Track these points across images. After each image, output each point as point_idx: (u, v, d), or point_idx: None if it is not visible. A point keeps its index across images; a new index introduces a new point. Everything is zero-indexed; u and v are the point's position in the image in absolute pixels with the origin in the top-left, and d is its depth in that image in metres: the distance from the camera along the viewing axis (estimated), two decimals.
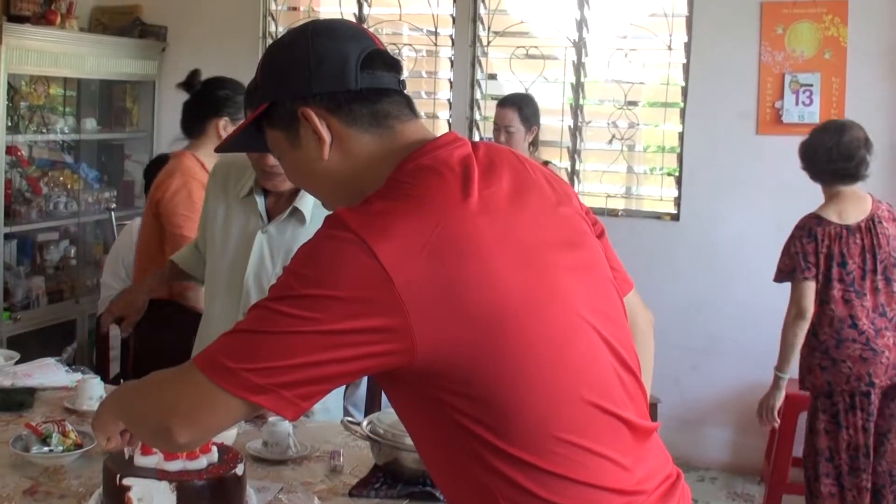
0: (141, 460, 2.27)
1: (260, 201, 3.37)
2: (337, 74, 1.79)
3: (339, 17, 6.67)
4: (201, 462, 2.29)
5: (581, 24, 6.32)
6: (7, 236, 6.20)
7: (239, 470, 2.32)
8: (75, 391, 3.21)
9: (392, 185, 1.72)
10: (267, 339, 1.61)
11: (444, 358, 1.62)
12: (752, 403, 5.99)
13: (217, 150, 2.04)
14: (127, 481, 2.22)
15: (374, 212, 1.65)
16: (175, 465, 2.26)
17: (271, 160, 3.16)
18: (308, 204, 3.32)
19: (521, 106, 5.68)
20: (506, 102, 5.76)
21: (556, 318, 1.70)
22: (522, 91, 6.28)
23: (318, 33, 1.84)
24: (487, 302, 1.62)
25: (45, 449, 2.70)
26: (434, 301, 1.59)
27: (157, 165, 4.93)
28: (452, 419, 1.67)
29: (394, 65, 1.87)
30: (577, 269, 1.79)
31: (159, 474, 2.24)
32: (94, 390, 3.11)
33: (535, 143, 5.79)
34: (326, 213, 3.28)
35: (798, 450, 5.68)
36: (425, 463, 1.87)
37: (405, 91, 1.89)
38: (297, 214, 3.33)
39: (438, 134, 1.85)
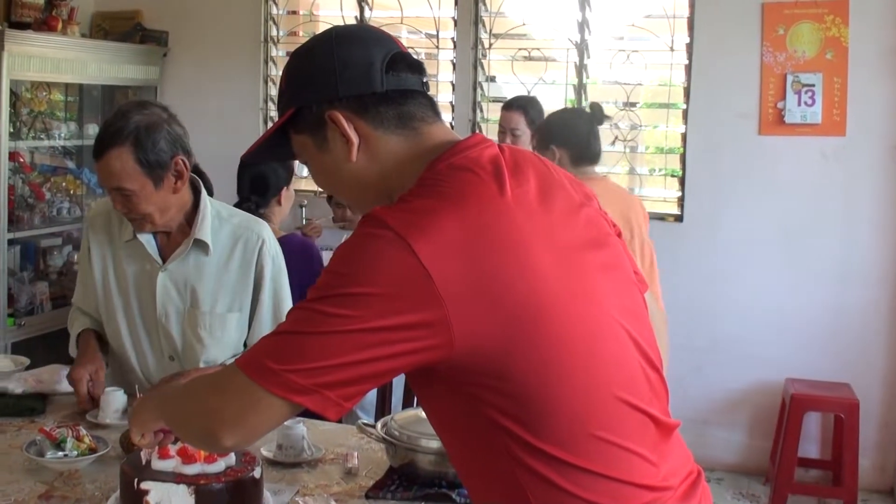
0: (158, 464, 2.28)
1: (148, 242, 3.31)
2: (362, 77, 1.81)
3: (339, 20, 6.68)
4: (219, 465, 2.30)
5: (583, 25, 6.31)
6: (10, 242, 6.18)
7: (256, 473, 2.33)
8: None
9: (426, 184, 1.73)
10: (309, 340, 1.61)
11: (481, 353, 1.62)
12: (757, 404, 6.03)
13: (244, 158, 2.05)
14: (144, 485, 2.23)
15: (411, 209, 1.66)
16: (193, 469, 2.27)
17: (118, 205, 3.16)
18: (207, 232, 3.29)
19: (526, 109, 5.68)
20: (512, 105, 5.75)
21: (588, 315, 1.72)
22: (524, 93, 6.28)
23: (342, 38, 1.86)
24: (524, 297, 1.63)
25: (60, 454, 2.71)
26: (472, 296, 1.60)
27: None
28: (486, 415, 1.68)
29: (417, 66, 1.89)
30: (605, 268, 1.81)
31: (177, 478, 2.25)
32: (118, 402, 3.10)
33: None
34: (230, 238, 3.29)
35: (804, 450, 5.70)
36: (453, 461, 1.88)
37: (429, 93, 1.91)
38: (200, 245, 3.29)
39: None
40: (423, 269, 1.58)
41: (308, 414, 1.71)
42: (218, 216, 3.35)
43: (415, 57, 1.90)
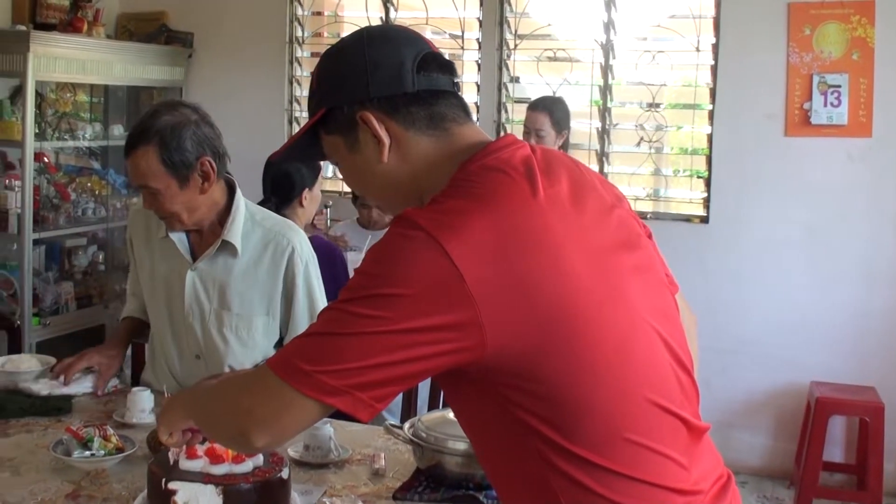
0: (186, 464, 2.28)
1: (180, 240, 3.34)
2: (394, 77, 1.80)
3: (364, 20, 6.68)
4: (247, 465, 2.30)
5: (608, 26, 6.30)
6: (36, 242, 6.20)
7: (284, 473, 2.33)
8: (122, 401, 3.21)
9: (458, 184, 1.73)
10: (341, 341, 1.61)
11: (513, 354, 1.62)
12: (782, 407, 6.00)
13: (273, 159, 2.05)
14: (172, 485, 2.23)
15: (443, 210, 1.66)
16: (221, 469, 2.27)
17: (146, 203, 3.21)
18: (237, 235, 3.30)
19: (552, 110, 5.67)
20: (537, 106, 5.74)
21: (621, 317, 1.71)
22: (549, 94, 6.27)
23: (373, 38, 1.86)
24: (557, 298, 1.63)
25: (87, 453, 2.71)
26: (505, 297, 1.59)
27: None
28: (517, 418, 1.67)
29: (449, 67, 1.88)
30: (637, 270, 1.80)
31: (205, 478, 2.25)
32: (145, 402, 3.11)
33: (565, 148, 5.78)
34: (261, 241, 3.29)
35: (828, 454, 5.67)
36: (482, 463, 1.88)
37: (460, 93, 1.90)
38: (228, 247, 3.31)
39: None
40: (456, 270, 1.57)
41: (336, 414, 1.71)
42: (251, 219, 3.36)
43: (446, 57, 1.90)
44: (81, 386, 3.33)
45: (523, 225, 1.65)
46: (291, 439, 1.86)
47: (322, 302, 3.44)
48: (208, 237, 3.33)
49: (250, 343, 3.33)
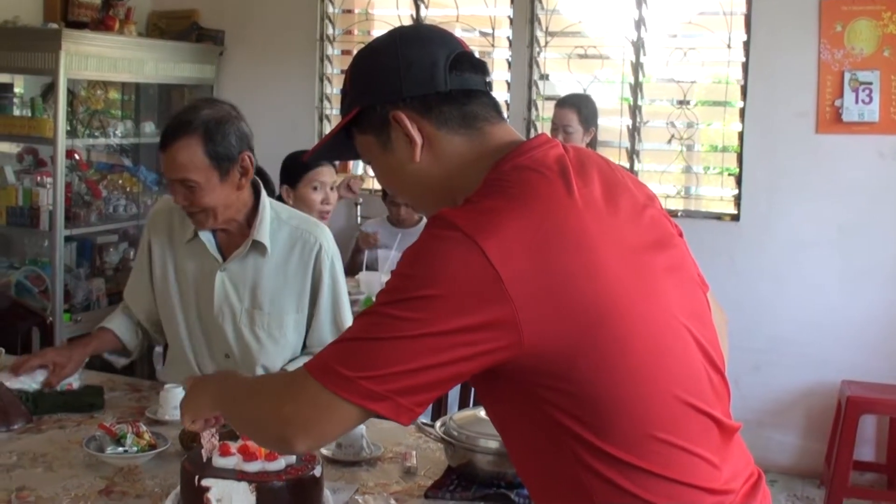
0: (219, 461, 2.29)
1: (209, 241, 3.34)
2: (426, 77, 1.82)
3: (395, 18, 6.68)
4: (280, 463, 2.30)
5: (639, 23, 6.28)
6: (67, 239, 6.25)
7: (317, 471, 2.32)
8: (155, 398, 3.22)
9: (492, 184, 1.73)
10: (382, 345, 1.62)
11: (548, 354, 1.62)
12: (813, 406, 5.97)
13: (306, 158, 2.06)
14: (206, 482, 2.23)
15: (479, 210, 1.66)
16: (254, 466, 2.27)
17: (179, 199, 3.17)
18: (266, 234, 3.31)
19: (580, 107, 5.71)
20: (565, 103, 5.79)
21: (654, 317, 1.71)
22: (579, 91, 6.28)
23: (406, 38, 1.88)
24: (592, 297, 1.63)
25: (120, 449, 2.72)
26: (541, 296, 1.60)
27: None
28: (551, 417, 1.68)
29: (481, 67, 1.89)
30: (670, 269, 1.81)
31: (238, 475, 2.25)
32: (178, 399, 3.09)
33: (592, 145, 5.78)
34: (288, 240, 3.30)
35: (859, 453, 5.63)
36: (515, 462, 1.88)
37: (492, 93, 1.91)
38: (258, 247, 3.31)
39: None
40: (493, 270, 1.58)
41: None
42: (277, 218, 3.37)
43: (478, 57, 1.91)
44: (32, 381, 3.26)
45: (559, 224, 1.66)
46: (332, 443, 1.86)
47: (345, 296, 3.47)
48: (236, 237, 3.34)
49: (282, 341, 3.34)
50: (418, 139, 1.82)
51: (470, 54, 1.88)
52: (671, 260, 1.83)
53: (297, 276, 3.35)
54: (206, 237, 3.32)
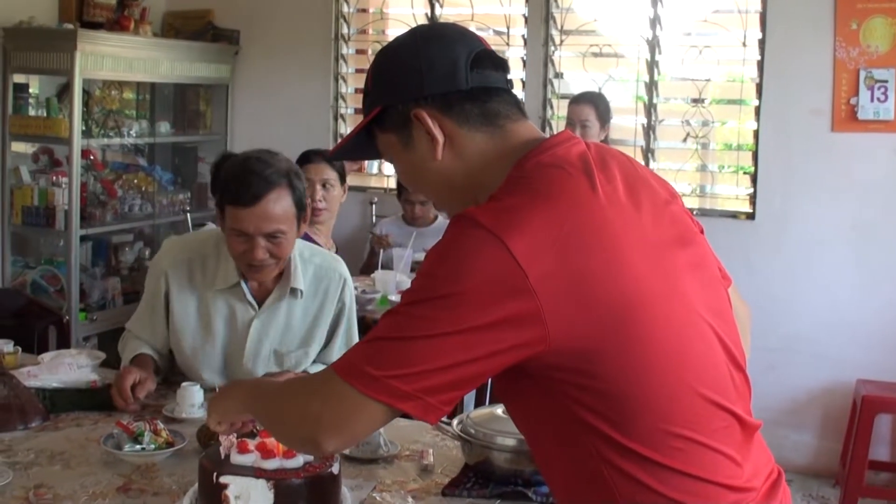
0: (238, 458, 2.28)
1: (246, 289, 3.32)
2: (448, 75, 1.82)
3: (409, 17, 6.69)
4: (297, 461, 2.29)
5: (654, 21, 6.27)
6: (83, 238, 6.28)
7: (335, 468, 2.32)
8: (172, 396, 3.21)
9: (515, 182, 1.73)
10: (409, 345, 1.62)
11: (573, 349, 1.63)
12: (828, 405, 5.94)
13: (329, 157, 2.07)
14: (224, 479, 2.23)
15: (503, 208, 1.66)
16: (272, 464, 2.27)
17: (260, 254, 3.13)
18: (301, 279, 3.32)
19: (596, 103, 5.79)
20: (581, 99, 5.88)
21: (677, 313, 1.71)
22: (594, 90, 6.28)
23: (427, 37, 1.89)
24: (617, 294, 1.63)
25: (138, 447, 2.72)
26: (566, 293, 1.60)
27: (223, 162, 4.98)
28: (573, 413, 1.68)
29: (502, 65, 1.90)
30: (692, 266, 1.80)
31: (257, 472, 2.25)
32: (195, 397, 3.10)
33: (606, 143, 5.78)
34: (314, 278, 3.35)
35: (874, 453, 5.61)
36: (537, 460, 1.88)
37: (513, 91, 1.91)
38: (293, 291, 3.32)
39: None
40: (518, 267, 1.58)
41: None
42: (301, 257, 3.37)
43: (499, 55, 1.91)
44: (67, 377, 3.28)
45: (583, 221, 1.66)
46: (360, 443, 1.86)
47: (355, 314, 3.53)
48: (267, 283, 3.33)
49: (302, 369, 3.37)
50: (440, 137, 1.82)
51: (491, 52, 1.89)
52: (693, 257, 1.83)
53: (325, 313, 3.39)
54: (244, 285, 3.31)
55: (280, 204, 3.10)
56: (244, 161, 3.18)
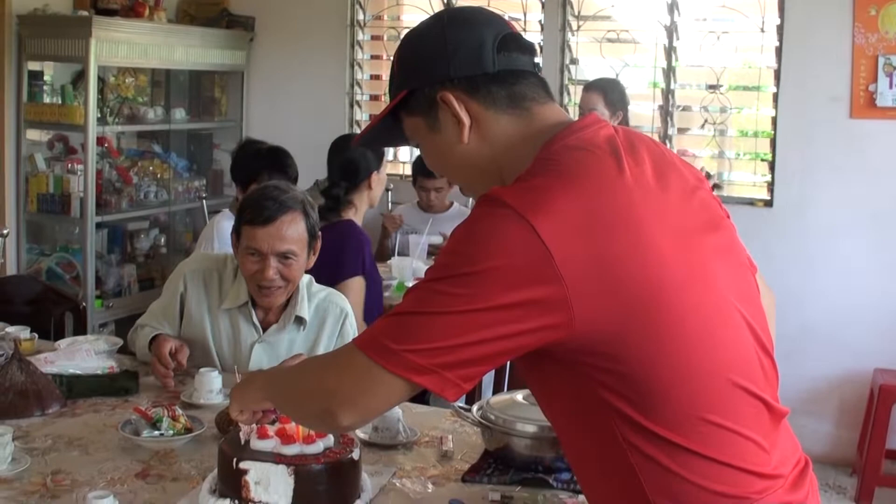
0: (258, 444, 2.28)
1: (253, 311, 3.40)
2: (474, 58, 1.81)
3: (426, 3, 6.66)
4: (318, 446, 2.29)
5: (672, 6, 6.24)
6: (98, 225, 6.29)
7: (355, 454, 2.32)
8: (190, 382, 3.22)
9: (542, 164, 1.72)
10: (429, 320, 1.61)
11: (599, 332, 1.61)
12: (846, 394, 5.92)
13: (355, 143, 2.06)
14: (244, 465, 2.23)
15: (530, 188, 1.65)
16: (292, 449, 2.27)
17: (271, 273, 3.23)
18: (306, 308, 3.40)
19: (606, 90, 5.72)
20: (591, 87, 5.84)
21: (705, 298, 1.69)
22: (609, 76, 6.25)
23: (454, 20, 1.88)
24: (643, 277, 1.62)
25: (156, 433, 2.72)
26: (592, 276, 1.59)
27: (243, 150, 4.97)
28: (599, 397, 1.66)
29: (529, 47, 1.89)
30: (720, 251, 1.79)
31: (276, 458, 2.25)
32: (213, 383, 3.12)
33: None
34: (317, 311, 3.40)
35: (892, 442, 5.59)
36: (562, 444, 1.87)
37: (540, 73, 1.90)
38: (298, 320, 3.40)
39: None
40: (544, 248, 1.57)
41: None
42: (307, 289, 3.46)
43: (526, 38, 1.90)
44: (82, 363, 3.30)
45: (611, 203, 1.64)
46: (376, 418, 1.84)
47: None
48: (276, 309, 3.41)
49: None
50: (466, 120, 1.81)
51: (518, 35, 1.88)
52: (721, 242, 1.81)
53: (325, 344, 3.43)
54: (252, 307, 3.40)
55: (294, 227, 3.26)
56: (262, 188, 3.36)
